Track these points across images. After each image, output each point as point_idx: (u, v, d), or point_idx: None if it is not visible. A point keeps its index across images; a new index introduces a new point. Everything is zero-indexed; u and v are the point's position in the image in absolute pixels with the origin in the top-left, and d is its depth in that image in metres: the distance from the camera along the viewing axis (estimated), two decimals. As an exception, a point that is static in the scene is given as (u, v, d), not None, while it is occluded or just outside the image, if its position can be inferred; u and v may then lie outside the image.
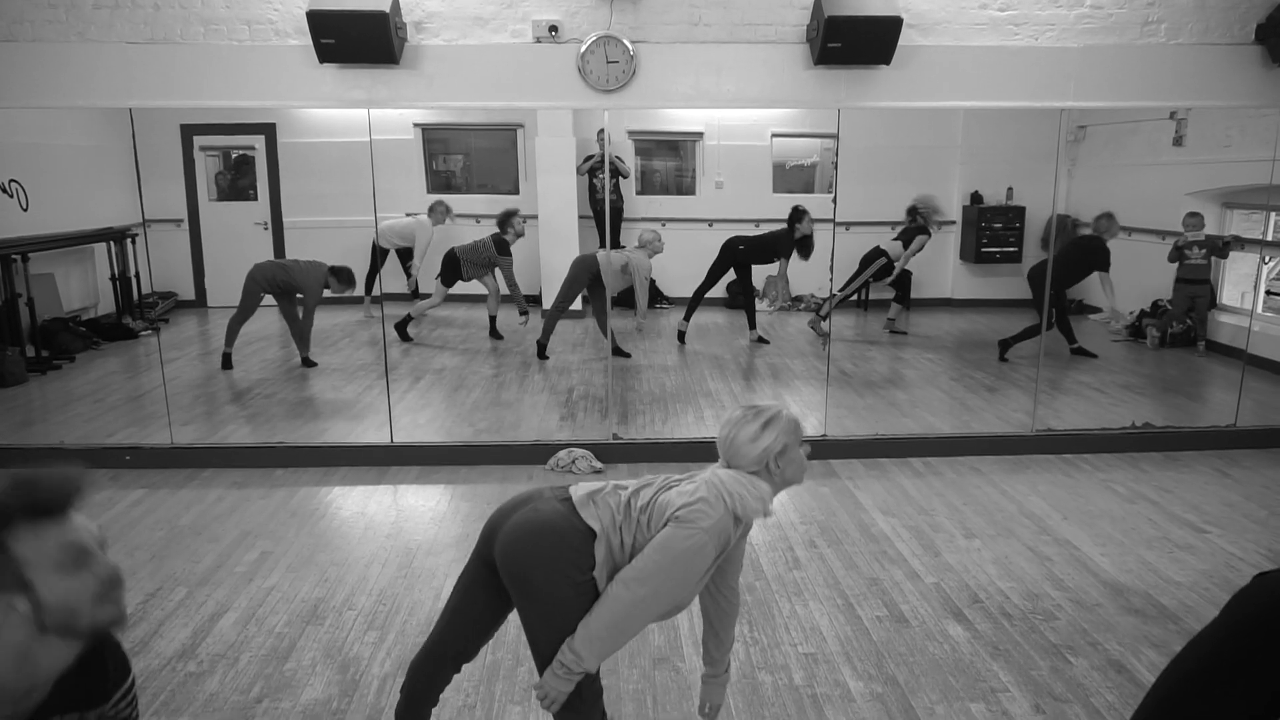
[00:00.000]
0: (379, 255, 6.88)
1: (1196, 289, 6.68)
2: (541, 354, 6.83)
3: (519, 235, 7.12)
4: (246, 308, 6.30)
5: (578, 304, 8.03)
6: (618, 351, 6.81)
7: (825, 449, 5.21)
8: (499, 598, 2.15)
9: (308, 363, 6.62)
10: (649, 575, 1.93)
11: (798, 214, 7.15)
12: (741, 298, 7.44)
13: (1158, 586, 3.63)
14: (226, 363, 6.51)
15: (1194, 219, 6.66)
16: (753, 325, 7.39)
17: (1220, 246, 6.59)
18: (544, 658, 1.99)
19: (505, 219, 7.11)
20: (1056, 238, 6.04)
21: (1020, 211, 7.87)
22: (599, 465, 5.00)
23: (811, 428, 5.47)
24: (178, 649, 3.17)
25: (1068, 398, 6.01)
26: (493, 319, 7.33)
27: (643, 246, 6.71)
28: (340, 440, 5.29)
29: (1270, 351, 6.11)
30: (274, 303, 6.51)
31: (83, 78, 4.77)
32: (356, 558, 3.89)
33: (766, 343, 7.37)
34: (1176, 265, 6.71)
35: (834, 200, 6.65)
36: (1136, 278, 7.40)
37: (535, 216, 8.01)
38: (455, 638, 2.29)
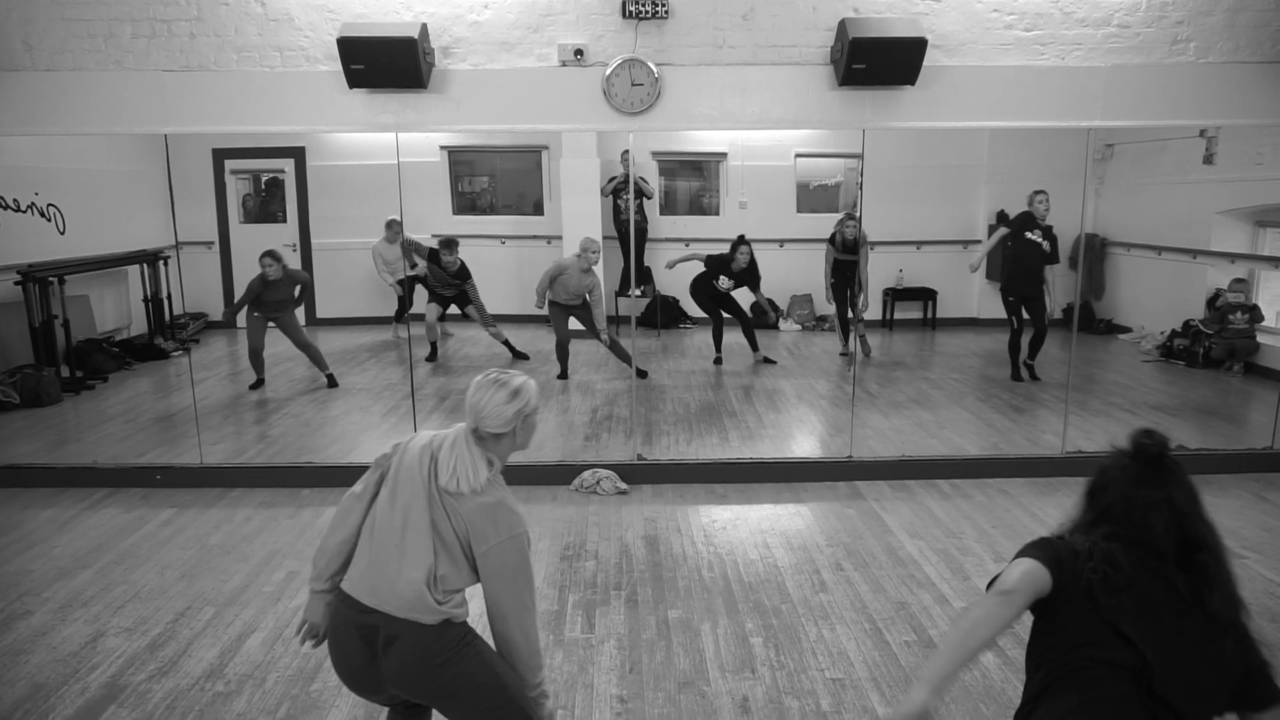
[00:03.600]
0: (409, 280, 6.98)
1: (1241, 343, 6.61)
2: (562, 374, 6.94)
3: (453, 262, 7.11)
4: (250, 334, 6.57)
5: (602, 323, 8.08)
6: (640, 371, 6.83)
7: (851, 470, 5.17)
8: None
9: (332, 381, 6.72)
10: (526, 600, 2.13)
11: (735, 245, 7.18)
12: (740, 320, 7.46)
13: (1194, 613, 3.55)
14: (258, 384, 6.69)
15: (1240, 284, 6.60)
16: (754, 346, 7.40)
17: (1260, 313, 6.61)
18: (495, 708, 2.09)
19: (437, 250, 7.13)
20: (1084, 256, 6.00)
21: (1047, 230, 7.81)
22: (624, 486, 4.99)
23: (837, 449, 5.43)
24: (206, 669, 3.20)
25: (1098, 419, 5.92)
26: (505, 342, 7.35)
27: (580, 255, 6.74)
28: (366, 460, 5.31)
29: (1307, 372, 5.99)
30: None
31: (120, 105, 4.89)
32: (382, 578, 3.91)
33: (773, 363, 7.34)
34: (1218, 328, 6.69)
35: (859, 219, 6.64)
36: (1167, 297, 7.31)
37: (560, 237, 8.06)
38: None
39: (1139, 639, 1.54)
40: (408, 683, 2.05)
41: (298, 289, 6.70)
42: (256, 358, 6.61)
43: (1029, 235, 6.39)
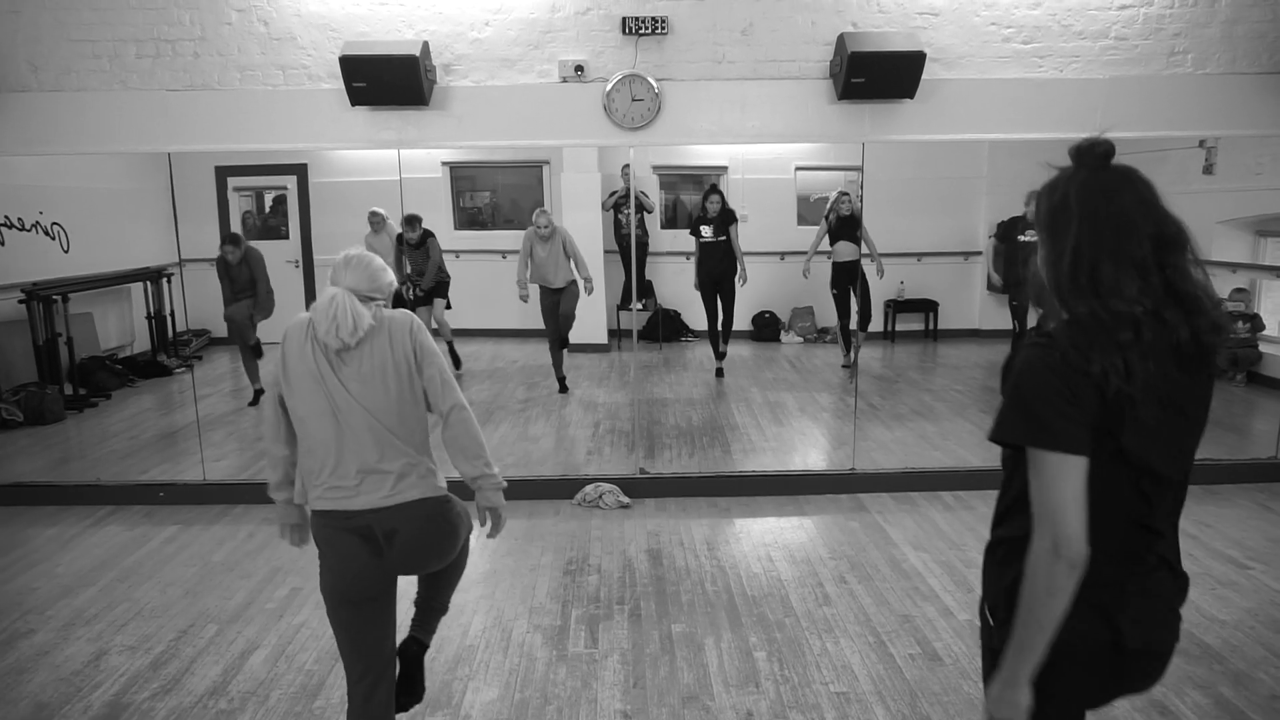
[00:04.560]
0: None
1: (1243, 352, 6.60)
2: (560, 384, 6.90)
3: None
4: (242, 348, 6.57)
5: (604, 337, 8.09)
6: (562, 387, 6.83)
7: (854, 483, 5.16)
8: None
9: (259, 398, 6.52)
10: (454, 384, 2.28)
11: (705, 194, 7.11)
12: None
13: (1200, 625, 3.53)
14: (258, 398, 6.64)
15: (1241, 294, 6.60)
16: (720, 352, 7.31)
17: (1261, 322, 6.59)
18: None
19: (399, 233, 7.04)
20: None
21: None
22: (626, 500, 4.98)
23: (840, 462, 5.42)
24: (209, 686, 3.19)
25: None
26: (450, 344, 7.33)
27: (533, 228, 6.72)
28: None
29: (1310, 381, 5.98)
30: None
31: (124, 124, 4.92)
32: (385, 594, 3.90)
33: (721, 376, 7.25)
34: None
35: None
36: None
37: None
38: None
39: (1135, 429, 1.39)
40: (415, 561, 2.28)
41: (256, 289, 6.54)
42: (251, 358, 6.51)
43: (1022, 238, 6.37)
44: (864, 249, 6.96)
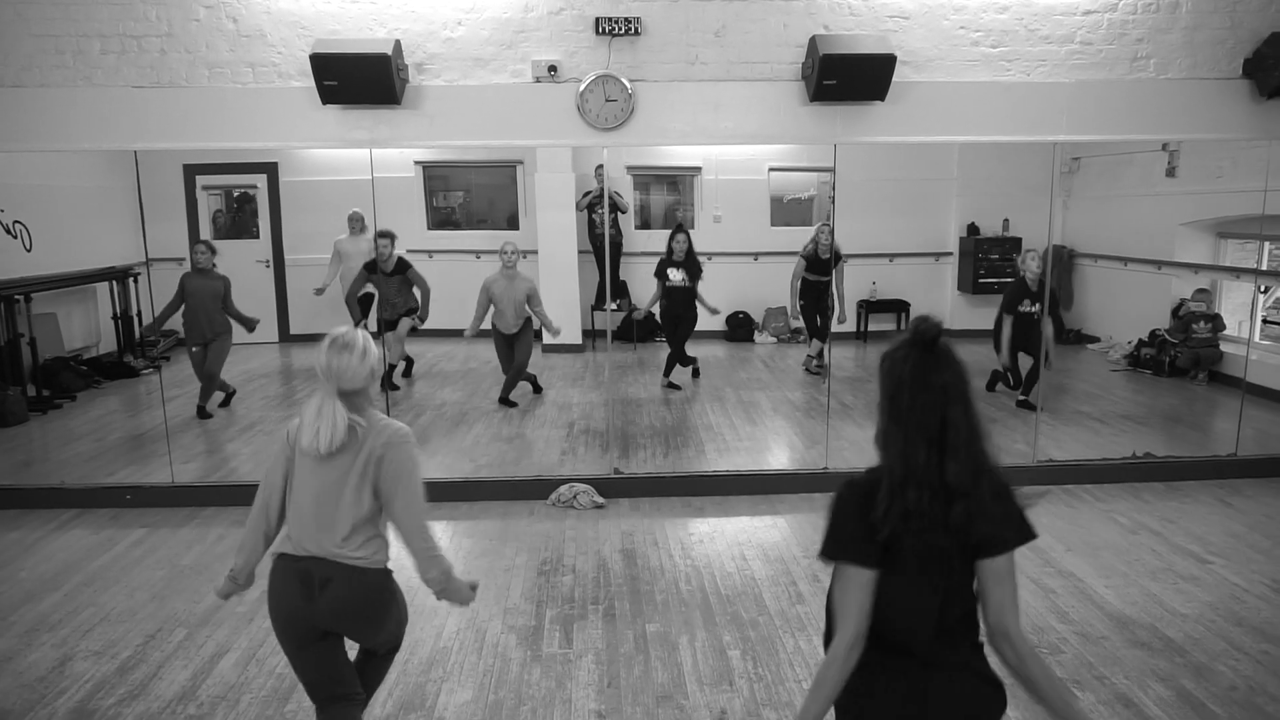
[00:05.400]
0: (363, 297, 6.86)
1: (1205, 352, 6.73)
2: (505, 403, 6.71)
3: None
4: (195, 366, 6.36)
5: (578, 337, 8.08)
6: (505, 400, 6.69)
7: (827, 482, 5.20)
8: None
9: (202, 413, 6.30)
10: (419, 488, 2.35)
11: (672, 235, 7.02)
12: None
13: (1163, 619, 3.61)
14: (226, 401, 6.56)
15: (1203, 294, 6.73)
16: (668, 370, 7.18)
17: (1222, 322, 6.70)
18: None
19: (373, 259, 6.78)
20: (1054, 268, 6.09)
21: (1017, 242, 7.94)
22: (600, 500, 4.99)
23: (813, 460, 5.47)
24: (177, 691, 3.15)
25: (1068, 428, 6.01)
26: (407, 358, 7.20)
27: (500, 256, 6.54)
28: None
29: (1269, 380, 6.12)
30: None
31: (89, 121, 4.84)
32: (357, 596, 3.87)
33: (677, 388, 7.14)
34: (1182, 337, 6.76)
35: (831, 233, 6.71)
36: (1134, 307, 7.45)
37: (535, 252, 8.07)
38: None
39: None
40: (339, 617, 2.35)
41: (231, 311, 6.24)
42: (209, 382, 6.26)
43: (1022, 309, 6.24)
44: (836, 279, 6.97)
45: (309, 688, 2.47)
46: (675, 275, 6.97)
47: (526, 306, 6.52)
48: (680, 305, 7.04)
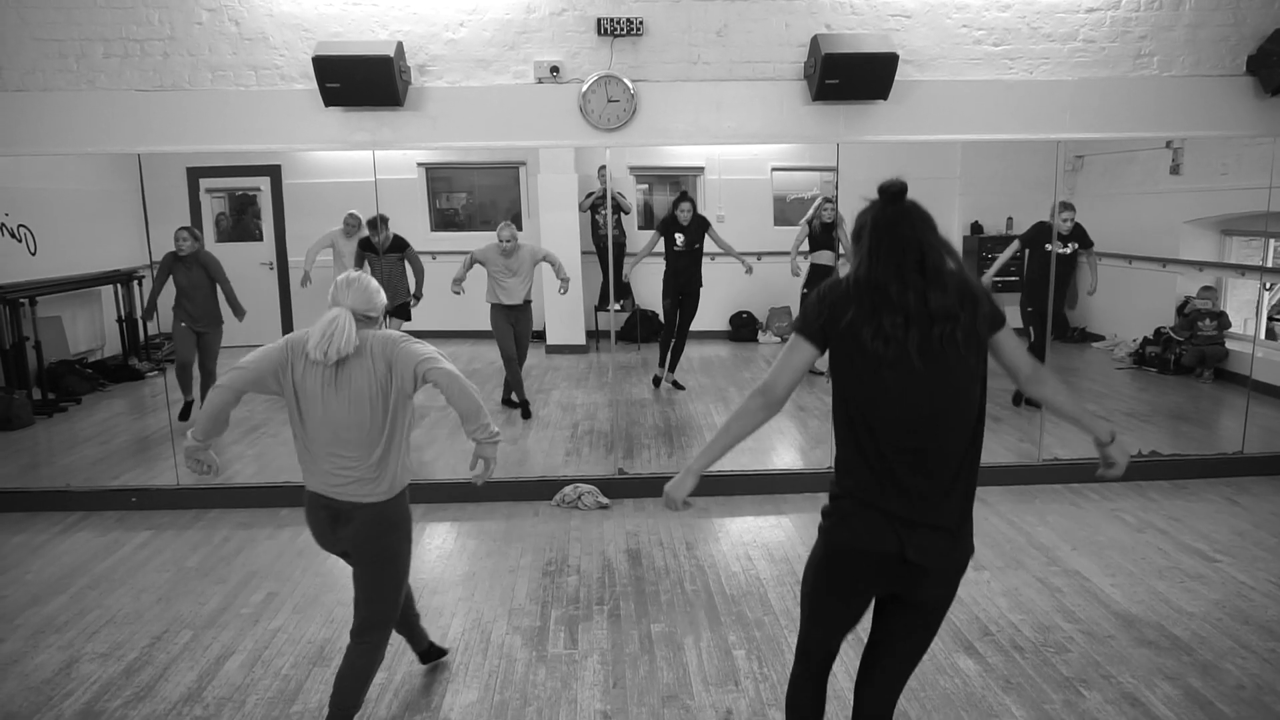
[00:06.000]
0: None
1: (1210, 349, 6.71)
2: (522, 409, 6.57)
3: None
4: (177, 347, 6.24)
5: (581, 338, 8.08)
6: (509, 402, 6.58)
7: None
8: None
9: (185, 414, 6.04)
10: (441, 357, 2.61)
11: (676, 202, 6.85)
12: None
13: (1170, 617, 3.60)
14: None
15: (1209, 291, 6.70)
16: (672, 366, 7.04)
17: (1227, 319, 6.66)
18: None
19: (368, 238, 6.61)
20: (1057, 267, 6.06)
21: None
22: (605, 500, 4.99)
23: (818, 460, 5.46)
24: (183, 693, 3.15)
25: (1074, 426, 5.99)
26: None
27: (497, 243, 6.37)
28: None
29: (1275, 377, 6.10)
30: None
31: (93, 125, 4.86)
32: (363, 598, 3.87)
33: (682, 388, 7.08)
34: (1187, 334, 6.72)
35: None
36: (1139, 305, 7.42)
37: (538, 252, 8.06)
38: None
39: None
40: (356, 545, 2.67)
41: (221, 297, 6.11)
42: (184, 373, 5.99)
43: (1049, 247, 6.21)
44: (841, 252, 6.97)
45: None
46: (680, 239, 6.82)
47: (546, 263, 6.36)
48: (685, 274, 6.85)
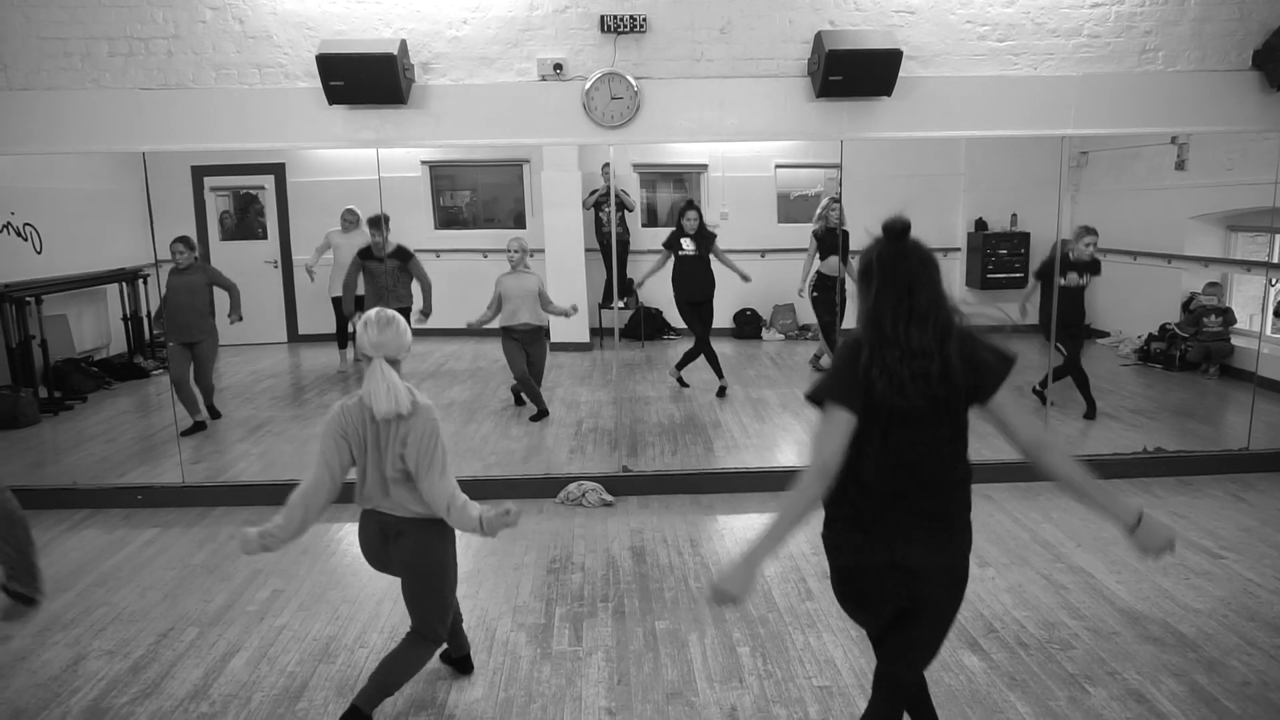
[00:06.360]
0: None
1: (1216, 346, 6.68)
2: (539, 413, 6.44)
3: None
4: (171, 365, 6.09)
5: (585, 335, 8.08)
6: (519, 400, 6.54)
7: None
8: None
9: (198, 426, 6.06)
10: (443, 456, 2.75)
11: (682, 210, 6.76)
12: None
13: (1175, 614, 3.59)
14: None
15: (1214, 288, 6.67)
16: (719, 374, 6.94)
17: (1233, 315, 6.62)
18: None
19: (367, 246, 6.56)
20: (1061, 263, 6.04)
21: (1025, 237, 7.90)
22: (609, 498, 4.99)
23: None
24: (189, 690, 3.17)
25: (1078, 422, 5.99)
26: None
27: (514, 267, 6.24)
28: (350, 477, 5.29)
29: (1280, 373, 6.08)
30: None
31: (98, 123, 4.86)
32: (368, 595, 3.88)
33: (686, 385, 7.08)
34: (1192, 331, 6.67)
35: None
36: (1144, 301, 7.40)
37: (542, 250, 8.07)
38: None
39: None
40: (406, 563, 2.81)
41: (228, 305, 5.97)
42: (182, 391, 5.84)
43: (1062, 281, 5.88)
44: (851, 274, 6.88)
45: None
46: (688, 244, 6.73)
47: (539, 304, 6.28)
48: (696, 280, 6.78)
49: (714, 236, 6.84)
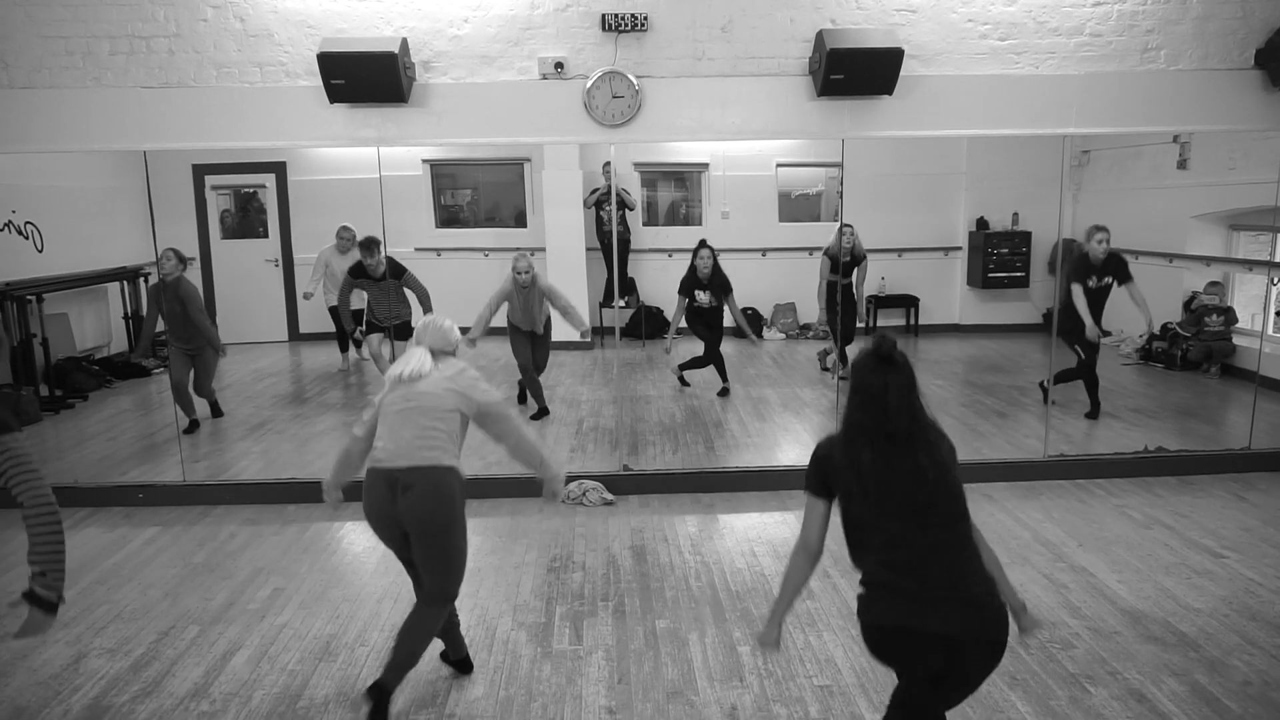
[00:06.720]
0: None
1: (1217, 345, 6.67)
2: (540, 411, 6.45)
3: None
4: (171, 368, 6.03)
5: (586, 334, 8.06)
6: (521, 398, 6.53)
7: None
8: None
9: (194, 426, 6.03)
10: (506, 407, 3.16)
11: (695, 252, 6.67)
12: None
13: (1176, 613, 3.59)
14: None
15: (1215, 287, 6.65)
16: (723, 378, 6.90)
17: (1235, 315, 6.60)
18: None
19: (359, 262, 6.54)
20: (1062, 262, 6.04)
21: (1026, 236, 7.91)
22: (610, 497, 4.99)
23: (822, 456, 5.44)
24: (190, 688, 3.17)
25: (1079, 422, 5.98)
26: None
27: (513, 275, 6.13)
28: (352, 476, 5.29)
29: (1282, 373, 6.07)
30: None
31: (99, 122, 4.86)
32: (369, 593, 3.89)
33: (687, 384, 7.04)
34: (1194, 330, 6.65)
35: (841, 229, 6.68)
36: (1146, 300, 7.39)
37: (543, 249, 8.08)
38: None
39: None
40: (417, 517, 2.86)
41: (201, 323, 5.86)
42: (179, 393, 5.84)
43: (1090, 284, 5.90)
44: (857, 280, 6.83)
45: (413, 580, 3.11)
46: (702, 297, 6.68)
47: (549, 304, 6.22)
48: (709, 323, 6.78)
49: (729, 287, 6.72)
